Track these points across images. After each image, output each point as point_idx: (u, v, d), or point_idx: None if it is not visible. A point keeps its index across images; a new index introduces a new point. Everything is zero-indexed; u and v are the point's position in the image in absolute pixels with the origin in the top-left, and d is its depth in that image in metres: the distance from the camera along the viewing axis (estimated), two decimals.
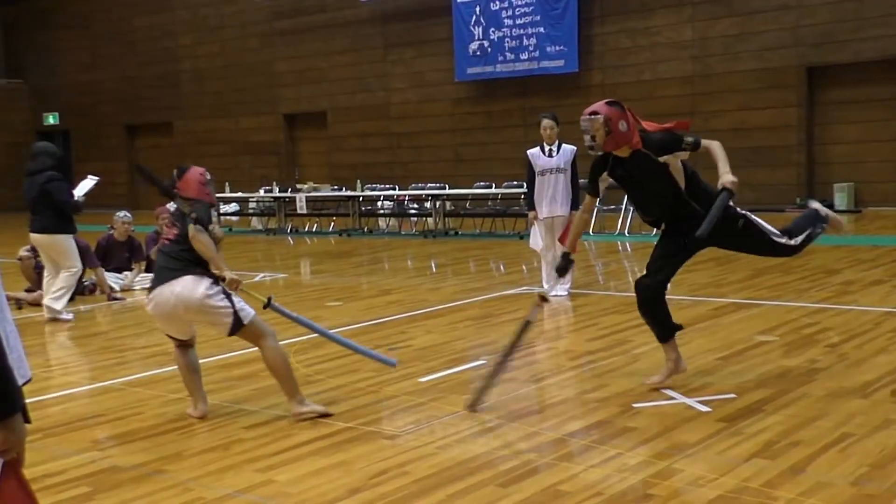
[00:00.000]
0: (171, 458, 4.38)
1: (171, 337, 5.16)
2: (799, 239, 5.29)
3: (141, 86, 26.93)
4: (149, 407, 5.30)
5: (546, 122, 8.67)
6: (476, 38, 20.26)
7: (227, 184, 19.96)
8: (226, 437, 4.64)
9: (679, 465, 3.94)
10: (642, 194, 5.22)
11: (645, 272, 5.24)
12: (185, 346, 5.16)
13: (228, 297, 4.89)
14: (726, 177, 4.96)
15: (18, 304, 9.25)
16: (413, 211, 17.12)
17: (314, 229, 17.74)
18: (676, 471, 3.88)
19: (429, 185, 17.32)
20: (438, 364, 6.04)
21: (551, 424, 4.66)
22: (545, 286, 8.81)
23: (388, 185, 18.31)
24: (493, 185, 16.07)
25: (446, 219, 16.14)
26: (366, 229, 16.93)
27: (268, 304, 5.16)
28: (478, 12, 20.19)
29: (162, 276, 4.96)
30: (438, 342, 6.75)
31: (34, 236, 8.53)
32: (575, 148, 8.77)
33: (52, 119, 29.30)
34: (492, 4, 19.97)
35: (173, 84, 26.31)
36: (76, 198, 8.49)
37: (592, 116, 4.94)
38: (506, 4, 19.81)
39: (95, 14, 27.82)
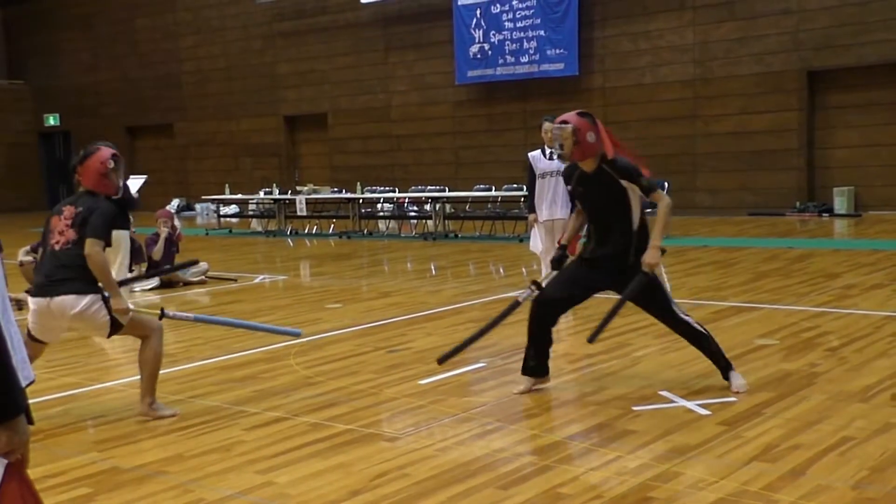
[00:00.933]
0: (172, 460, 4.38)
1: (30, 335, 4.93)
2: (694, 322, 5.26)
3: (142, 87, 26.94)
4: None
5: (547, 125, 8.66)
6: (477, 40, 20.27)
7: (227, 185, 19.99)
8: (226, 439, 4.65)
9: (679, 468, 3.94)
10: (597, 217, 5.20)
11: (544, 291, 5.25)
12: (38, 341, 5.03)
13: (106, 303, 4.83)
14: (649, 254, 4.95)
15: (19, 305, 9.25)
16: (413, 213, 17.13)
17: (314, 231, 17.75)
18: (676, 474, 3.88)
19: (429, 187, 17.32)
20: (438, 367, 6.04)
21: (551, 427, 4.66)
22: None
23: (388, 188, 18.32)
24: (493, 187, 16.09)
25: (446, 221, 16.14)
26: (366, 231, 16.94)
27: (162, 316, 5.15)
28: (478, 15, 20.20)
29: (44, 288, 4.80)
30: (438, 344, 6.75)
31: None
32: None
33: (52, 120, 29.30)
34: (492, 7, 19.99)
35: (175, 85, 26.33)
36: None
37: (562, 125, 5.07)
38: (506, 7, 19.83)
39: (97, 15, 27.84)
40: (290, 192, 18.49)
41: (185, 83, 26.15)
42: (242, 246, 15.89)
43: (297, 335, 5.65)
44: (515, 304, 5.37)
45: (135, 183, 9.28)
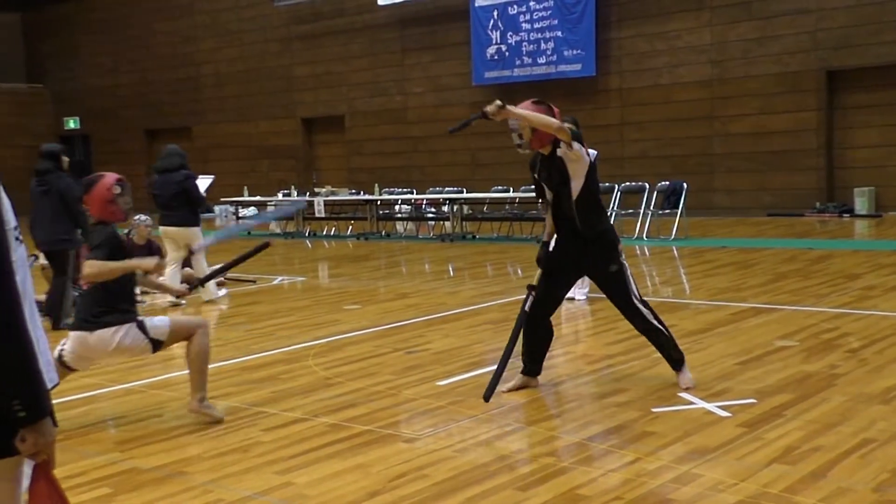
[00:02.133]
0: (192, 460, 4.41)
1: (61, 361, 4.87)
2: (651, 313, 5.29)
3: (161, 90, 27.11)
4: (169, 409, 5.33)
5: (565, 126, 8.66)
6: (494, 42, 20.27)
7: (245, 188, 20.07)
8: (245, 440, 4.67)
9: (699, 470, 3.93)
10: (556, 199, 5.32)
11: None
12: (68, 368, 4.97)
13: (142, 328, 4.84)
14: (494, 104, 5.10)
15: (40, 306, 9.31)
16: (430, 215, 17.13)
17: (332, 233, 17.80)
18: (696, 476, 3.87)
19: (446, 189, 17.32)
20: (456, 368, 6.05)
21: (570, 428, 4.66)
22: None
23: (405, 189, 18.34)
24: (511, 188, 16.07)
25: (464, 223, 16.14)
26: (383, 233, 16.97)
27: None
28: (495, 16, 20.20)
29: (79, 324, 4.88)
30: (456, 346, 6.77)
31: (170, 230, 9.30)
32: (595, 152, 8.74)
33: (72, 123, 29.53)
34: (509, 9, 19.98)
35: (193, 88, 26.46)
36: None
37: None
38: (523, 9, 19.81)
39: (116, 19, 28.02)
40: (308, 193, 18.54)
41: (204, 86, 26.29)
42: None
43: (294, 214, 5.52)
44: (524, 315, 5.41)
45: (203, 182, 9.62)
